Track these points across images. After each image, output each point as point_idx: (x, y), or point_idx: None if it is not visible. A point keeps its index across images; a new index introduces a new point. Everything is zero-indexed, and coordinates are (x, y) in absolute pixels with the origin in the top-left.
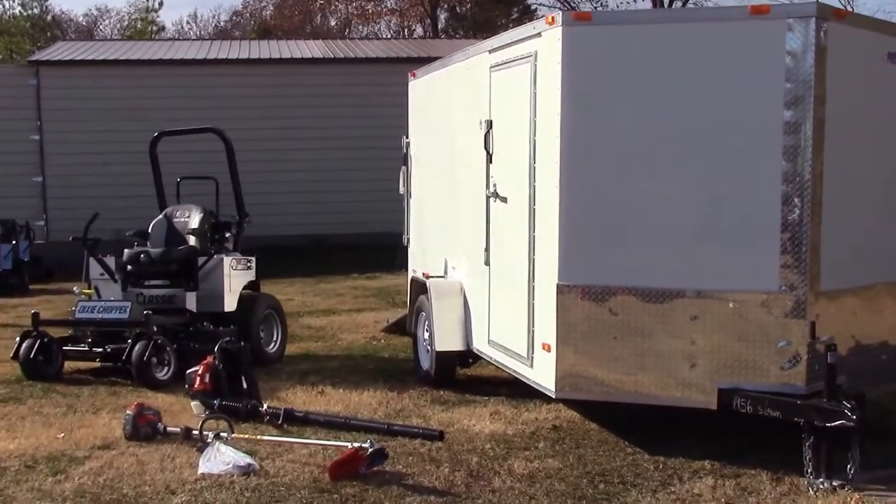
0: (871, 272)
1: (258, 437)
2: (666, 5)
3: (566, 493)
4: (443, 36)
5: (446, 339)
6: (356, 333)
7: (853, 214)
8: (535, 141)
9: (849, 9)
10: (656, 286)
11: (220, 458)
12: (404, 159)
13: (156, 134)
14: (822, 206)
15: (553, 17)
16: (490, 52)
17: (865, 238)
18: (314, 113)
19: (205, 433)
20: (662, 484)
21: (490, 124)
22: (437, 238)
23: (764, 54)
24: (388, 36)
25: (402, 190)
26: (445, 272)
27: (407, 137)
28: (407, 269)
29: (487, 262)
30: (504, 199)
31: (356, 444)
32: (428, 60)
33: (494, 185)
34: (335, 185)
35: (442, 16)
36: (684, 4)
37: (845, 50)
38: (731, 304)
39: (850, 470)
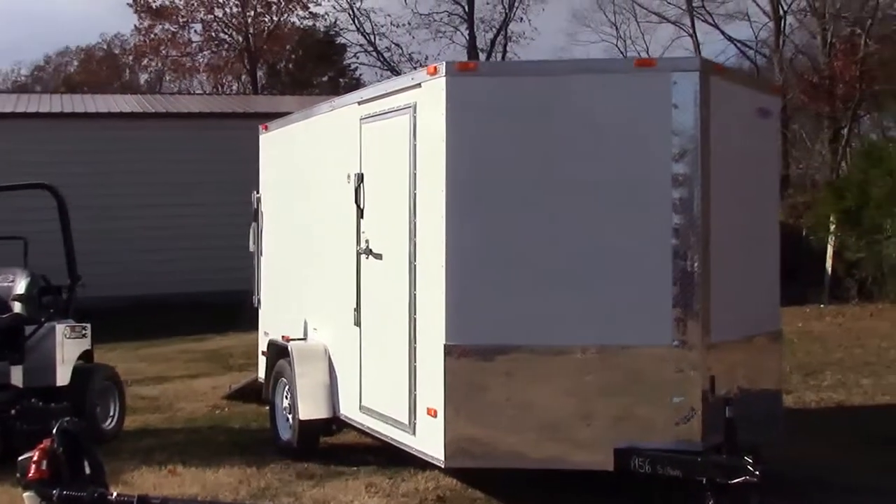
0: (752, 324)
1: None
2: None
3: None
4: (263, 92)
5: (311, 406)
6: (196, 402)
7: (735, 267)
8: (415, 195)
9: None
10: (548, 343)
11: None
12: (254, 215)
13: None
14: (710, 260)
15: (436, 67)
16: (360, 103)
17: (746, 290)
18: (127, 168)
19: None
20: None
21: (361, 178)
22: (295, 298)
23: (651, 107)
24: (202, 92)
25: (252, 247)
26: (305, 334)
27: (257, 192)
28: (258, 331)
29: (358, 323)
30: (379, 256)
31: None
32: (253, 116)
33: (367, 242)
34: (151, 244)
35: (259, 72)
36: (503, 58)
37: (724, 104)
38: (623, 360)
39: None
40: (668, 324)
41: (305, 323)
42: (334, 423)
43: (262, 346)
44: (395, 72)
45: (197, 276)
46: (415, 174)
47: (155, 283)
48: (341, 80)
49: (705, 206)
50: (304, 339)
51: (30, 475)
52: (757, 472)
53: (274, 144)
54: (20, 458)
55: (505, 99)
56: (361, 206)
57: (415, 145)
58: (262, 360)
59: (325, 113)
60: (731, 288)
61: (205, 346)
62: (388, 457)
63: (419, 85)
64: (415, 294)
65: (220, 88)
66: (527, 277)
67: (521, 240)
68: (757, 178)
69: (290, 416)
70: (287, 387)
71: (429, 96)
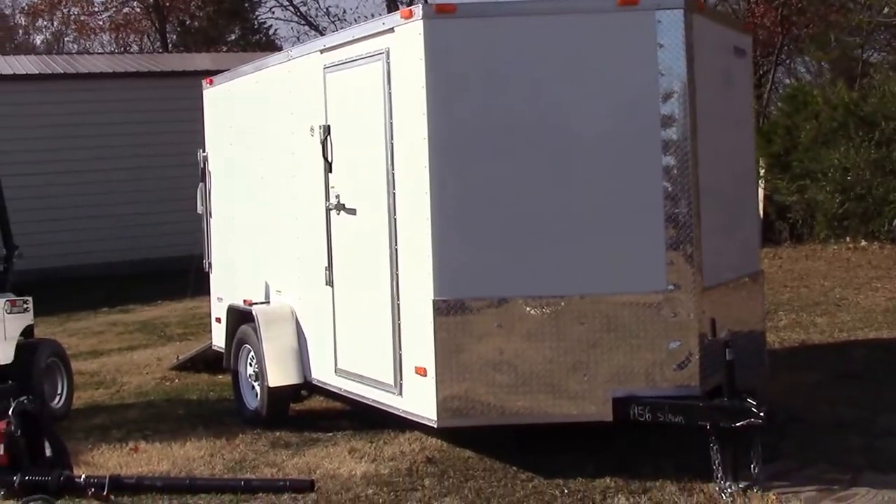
0: (738, 265)
1: None
2: None
3: None
4: (172, 50)
5: (280, 372)
6: (141, 375)
7: (721, 208)
8: (392, 145)
9: None
10: (540, 294)
11: None
12: (201, 175)
13: None
14: (700, 201)
15: (410, 11)
16: (322, 51)
17: (731, 231)
18: (25, 135)
19: None
20: None
21: (328, 130)
22: (254, 260)
23: (636, 47)
24: (102, 52)
25: (200, 209)
26: (267, 297)
27: (203, 151)
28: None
29: (330, 283)
30: (352, 212)
31: None
32: (169, 75)
33: (337, 197)
34: (56, 214)
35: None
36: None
37: (705, 43)
38: (618, 308)
39: (754, 469)
40: (661, 268)
41: (267, 285)
42: (304, 388)
43: (217, 312)
44: (313, 26)
45: (110, 245)
46: (391, 123)
47: (64, 256)
48: (253, 36)
49: (694, 147)
50: (268, 302)
51: None
52: (761, 414)
53: (220, 99)
54: None
55: (488, 42)
56: (329, 160)
57: (390, 93)
58: (216, 327)
59: (280, 63)
60: (718, 229)
61: (134, 317)
62: (362, 420)
63: (392, 30)
64: (396, 249)
65: (125, 48)
66: (515, 227)
67: (507, 188)
68: (735, 117)
69: (256, 384)
70: (252, 353)
71: (404, 41)
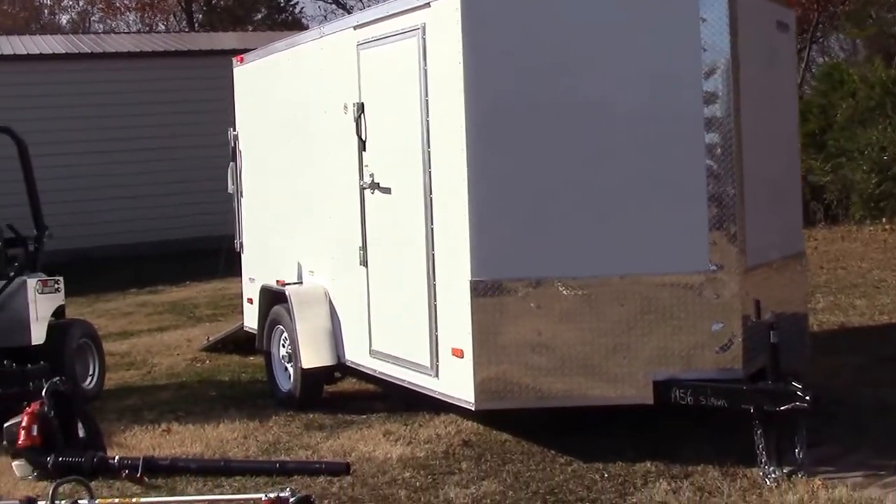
0: (781, 246)
1: (130, 499)
2: None
3: None
4: (199, 30)
5: (314, 353)
6: (172, 356)
7: (764, 187)
8: (428, 123)
9: None
10: (580, 274)
11: None
12: (232, 154)
13: None
14: (743, 179)
15: None
16: (355, 28)
17: (773, 211)
18: (51, 115)
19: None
20: (620, 495)
21: (361, 108)
22: (287, 240)
23: (678, 21)
24: (128, 31)
25: (231, 188)
26: (300, 278)
27: (234, 129)
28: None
29: (364, 263)
30: (387, 190)
31: (271, 495)
32: (197, 53)
33: (371, 175)
34: (82, 195)
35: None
36: None
37: (749, 17)
38: (659, 289)
39: (799, 454)
40: (704, 248)
41: (300, 266)
42: (338, 370)
43: (249, 293)
44: (340, 4)
45: (134, 226)
46: (427, 101)
47: (90, 237)
48: (280, 15)
49: (738, 124)
50: (301, 282)
51: (20, 442)
52: (807, 398)
53: (251, 77)
54: (6, 425)
55: (524, 16)
56: (363, 138)
57: (425, 70)
58: (248, 308)
59: (313, 40)
60: (762, 209)
61: (162, 298)
62: (396, 402)
63: (428, 5)
64: (432, 229)
65: (151, 27)
66: (554, 205)
67: (546, 166)
68: (778, 93)
69: (289, 366)
70: (285, 334)
71: (440, 16)
